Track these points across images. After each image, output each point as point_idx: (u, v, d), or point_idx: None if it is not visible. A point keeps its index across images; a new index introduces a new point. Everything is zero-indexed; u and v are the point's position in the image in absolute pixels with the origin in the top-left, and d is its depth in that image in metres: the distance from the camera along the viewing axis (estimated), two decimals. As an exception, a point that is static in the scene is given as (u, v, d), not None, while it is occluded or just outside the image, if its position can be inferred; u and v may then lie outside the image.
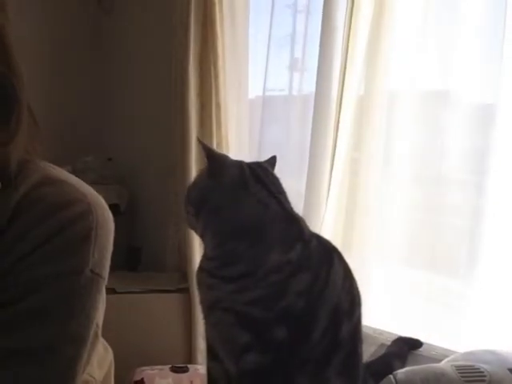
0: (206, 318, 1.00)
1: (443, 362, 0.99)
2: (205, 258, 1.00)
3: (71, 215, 0.74)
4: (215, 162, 0.98)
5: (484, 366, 0.89)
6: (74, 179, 0.81)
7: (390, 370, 1.09)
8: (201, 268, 1.01)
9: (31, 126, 0.80)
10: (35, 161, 0.79)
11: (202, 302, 1.00)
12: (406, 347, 1.28)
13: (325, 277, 0.95)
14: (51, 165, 0.82)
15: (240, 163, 1.02)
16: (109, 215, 0.81)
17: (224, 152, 2.14)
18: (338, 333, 0.95)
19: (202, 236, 1.01)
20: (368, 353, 1.22)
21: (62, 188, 0.77)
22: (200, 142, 1.02)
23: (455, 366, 0.90)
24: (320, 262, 0.96)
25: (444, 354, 1.23)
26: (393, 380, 0.92)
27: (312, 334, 0.93)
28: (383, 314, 1.70)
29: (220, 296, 0.94)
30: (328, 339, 0.94)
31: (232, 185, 0.97)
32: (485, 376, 0.86)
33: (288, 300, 0.91)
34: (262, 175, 1.01)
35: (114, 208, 2.76)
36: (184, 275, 2.23)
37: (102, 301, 0.89)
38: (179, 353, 2.16)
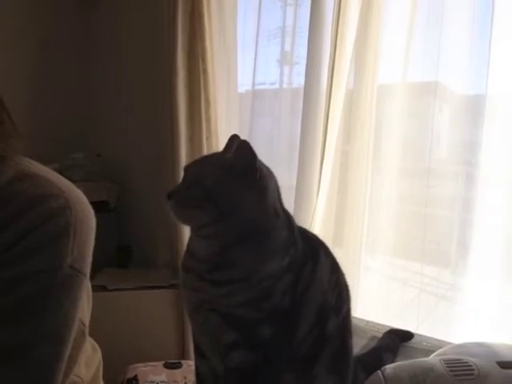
0: (191, 318, 0.97)
1: (432, 356, 0.99)
2: (192, 258, 0.93)
3: (48, 210, 0.72)
4: (256, 172, 0.88)
5: (472, 360, 0.89)
6: (52, 174, 0.79)
7: (381, 362, 1.08)
8: (187, 268, 0.93)
9: (4, 122, 0.77)
10: (11, 157, 0.77)
11: (187, 303, 0.95)
12: (398, 339, 1.28)
13: (310, 274, 0.93)
14: (29, 160, 0.80)
15: (267, 170, 0.94)
16: (89, 211, 0.80)
17: (214, 146, 2.13)
18: (325, 329, 0.94)
19: (197, 230, 0.93)
20: (359, 345, 1.22)
21: (39, 182, 0.75)
22: (245, 143, 0.88)
23: (444, 361, 0.90)
24: (305, 259, 0.94)
25: (436, 344, 1.23)
26: (380, 375, 0.91)
27: (298, 331, 0.92)
28: (375, 305, 1.71)
29: (207, 298, 0.91)
30: (315, 335, 0.93)
31: (261, 193, 0.90)
32: (473, 370, 0.87)
33: (274, 300, 0.89)
34: (273, 178, 0.95)
35: (103, 205, 2.74)
36: (176, 271, 2.21)
37: (87, 298, 0.88)
38: (172, 349, 2.15)
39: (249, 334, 0.89)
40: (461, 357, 0.91)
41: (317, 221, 1.82)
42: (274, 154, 2.14)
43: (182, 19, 2.13)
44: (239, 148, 0.88)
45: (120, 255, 2.43)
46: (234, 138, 0.96)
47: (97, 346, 0.97)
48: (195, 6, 2.11)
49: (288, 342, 0.91)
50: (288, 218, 0.96)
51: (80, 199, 0.78)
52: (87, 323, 0.89)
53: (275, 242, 0.90)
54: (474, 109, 1.59)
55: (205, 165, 0.92)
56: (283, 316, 0.89)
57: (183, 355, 2.15)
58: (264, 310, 0.88)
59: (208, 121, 2.15)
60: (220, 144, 2.16)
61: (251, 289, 0.88)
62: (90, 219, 0.79)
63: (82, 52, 2.70)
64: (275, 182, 0.95)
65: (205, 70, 2.12)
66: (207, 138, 2.15)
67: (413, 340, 1.29)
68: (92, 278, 0.85)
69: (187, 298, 0.95)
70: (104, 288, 2.12)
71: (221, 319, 0.89)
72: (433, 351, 1.06)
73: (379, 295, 1.76)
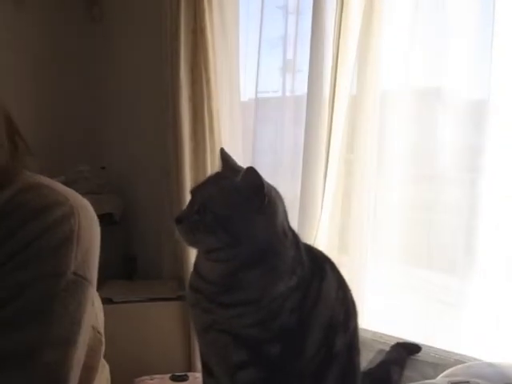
0: (199, 337, 0.97)
1: (440, 377, 0.98)
2: (201, 279, 0.93)
3: (52, 218, 0.74)
4: (265, 197, 0.88)
5: (481, 382, 0.87)
6: (56, 184, 0.81)
7: (389, 377, 1.08)
8: (195, 289, 0.94)
9: (17, 143, 0.79)
10: (20, 171, 0.79)
11: (195, 323, 0.95)
12: (405, 352, 1.26)
13: (317, 291, 0.93)
14: (36, 174, 0.81)
15: (274, 191, 0.94)
16: (93, 218, 0.81)
17: (217, 158, 2.12)
18: (333, 345, 0.94)
19: (206, 254, 0.92)
20: (366, 359, 1.21)
21: (43, 192, 0.77)
22: (252, 170, 0.88)
23: (452, 383, 0.89)
24: (311, 277, 0.94)
25: (444, 356, 1.22)
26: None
27: (306, 349, 0.91)
28: (382, 313, 1.70)
29: (216, 319, 0.91)
30: (323, 352, 0.92)
31: (271, 217, 0.90)
32: (481, 393, 0.85)
33: (282, 318, 0.89)
34: (281, 199, 0.95)
35: (108, 217, 2.74)
36: (181, 282, 2.21)
37: (98, 307, 0.88)
38: (179, 361, 2.14)
39: (257, 354, 0.89)
40: (469, 378, 0.90)
41: (322, 229, 1.81)
42: (278, 162, 2.14)
43: (185, 33, 2.14)
44: (247, 174, 0.89)
45: (125, 267, 2.43)
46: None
47: (105, 363, 0.97)
48: (197, 19, 2.12)
49: (296, 360, 0.90)
50: (294, 236, 0.96)
51: (84, 207, 0.79)
52: (102, 331, 0.90)
53: (284, 262, 0.91)
54: (478, 114, 1.59)
55: (214, 190, 0.92)
56: (291, 334, 0.89)
57: (190, 367, 2.14)
58: (272, 330, 0.88)
59: (211, 132, 2.15)
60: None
61: (261, 310, 0.88)
62: (94, 226, 0.80)
63: (86, 66, 2.71)
64: (282, 202, 0.95)
65: (208, 81, 2.13)
66: (211, 150, 2.15)
67: (420, 352, 1.28)
68: (98, 289, 0.85)
69: (196, 318, 0.95)
70: (110, 300, 2.12)
71: (230, 339, 0.89)
72: (441, 364, 1.04)
73: (386, 303, 1.75)
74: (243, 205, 0.88)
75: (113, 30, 2.69)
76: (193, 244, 0.95)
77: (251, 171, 0.89)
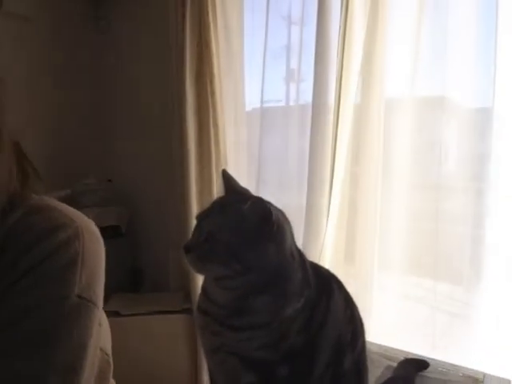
0: (208, 358, 0.96)
1: None
2: (210, 302, 0.93)
3: (58, 241, 0.73)
4: (273, 225, 0.88)
5: None
6: (62, 206, 0.80)
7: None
8: (204, 312, 0.93)
9: (29, 175, 0.80)
10: (29, 195, 0.79)
11: (204, 345, 0.94)
12: (413, 369, 1.25)
13: (324, 311, 0.93)
14: (44, 196, 0.81)
15: (281, 215, 0.94)
16: (98, 239, 0.80)
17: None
18: (341, 364, 0.93)
19: (216, 281, 0.92)
20: (374, 376, 1.19)
21: (50, 214, 0.77)
22: (259, 200, 0.89)
23: None
24: (318, 296, 0.94)
25: (452, 369, 1.21)
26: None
27: (315, 369, 0.91)
28: (388, 324, 1.69)
29: (225, 342, 0.90)
30: (331, 371, 0.92)
31: (280, 243, 0.89)
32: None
33: (291, 340, 0.89)
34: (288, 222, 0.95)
35: (114, 230, 2.73)
36: (187, 295, 2.21)
37: (105, 327, 0.87)
38: (185, 374, 2.14)
39: (266, 375, 0.89)
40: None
41: (328, 239, 1.80)
42: (283, 172, 2.14)
43: (190, 46, 2.15)
44: (254, 205, 0.88)
45: (132, 279, 2.42)
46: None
47: (113, 381, 0.96)
48: (202, 33, 2.13)
49: (305, 381, 0.90)
50: (300, 255, 0.95)
51: (89, 229, 0.79)
52: (110, 351, 0.88)
53: (293, 285, 0.90)
54: (482, 122, 1.58)
55: (222, 218, 0.91)
56: (299, 355, 0.89)
57: (196, 381, 2.13)
58: (281, 351, 0.88)
59: (217, 144, 2.15)
60: (228, 169, 2.15)
61: (270, 333, 0.88)
62: (99, 249, 0.79)
63: (93, 78, 2.72)
64: (289, 225, 0.95)
65: (213, 94, 2.13)
66: (216, 161, 2.15)
67: (428, 368, 1.26)
68: (104, 303, 0.85)
69: (204, 341, 0.95)
70: (117, 313, 2.12)
71: (238, 361, 0.89)
72: (450, 381, 1.03)
73: (393, 313, 1.74)
74: (252, 233, 0.88)
75: (119, 42, 2.70)
76: (202, 272, 0.94)
77: (259, 201, 0.89)
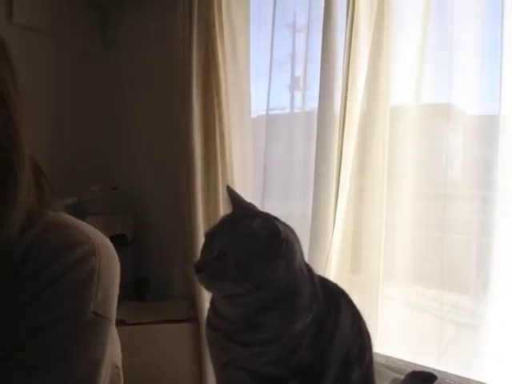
0: (217, 372, 0.96)
1: None
2: (219, 317, 0.93)
3: (74, 258, 0.73)
4: (283, 243, 0.89)
5: None
6: (79, 223, 0.81)
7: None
8: (214, 327, 0.93)
9: (44, 189, 0.80)
10: (45, 211, 0.79)
11: (213, 360, 0.95)
12: (420, 382, 1.23)
13: (332, 325, 0.93)
14: (60, 213, 0.82)
15: (289, 231, 0.95)
16: (114, 256, 0.80)
17: (229, 179, 2.13)
18: (349, 379, 0.93)
19: (226, 298, 0.92)
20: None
21: (66, 231, 0.77)
22: (268, 217, 0.90)
23: None
24: (326, 311, 0.93)
25: (458, 382, 1.20)
26: None
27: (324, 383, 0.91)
28: (395, 334, 1.68)
29: (235, 357, 0.90)
30: None
31: (289, 260, 0.90)
32: None
33: (299, 355, 0.89)
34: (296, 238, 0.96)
35: (120, 238, 2.73)
36: (193, 303, 2.20)
37: (116, 341, 0.87)
38: (190, 382, 2.12)
39: None
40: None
41: (334, 248, 1.80)
42: (289, 180, 2.14)
43: (197, 58, 2.16)
44: (263, 223, 0.89)
45: (137, 288, 2.42)
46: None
47: None
48: (209, 44, 2.14)
49: None
50: (309, 270, 0.96)
51: (105, 245, 0.79)
52: (120, 364, 0.89)
53: (303, 301, 0.91)
54: (488, 130, 1.58)
55: (232, 236, 0.91)
56: (308, 369, 0.89)
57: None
58: (289, 366, 0.88)
59: (223, 154, 2.15)
60: (234, 178, 2.16)
61: (279, 349, 0.87)
62: (114, 265, 0.79)
63: (99, 88, 2.73)
64: (298, 241, 0.95)
65: (219, 105, 2.14)
66: (222, 172, 2.15)
67: (436, 382, 1.25)
68: (111, 311, 0.84)
69: (214, 356, 0.95)
70: (123, 322, 2.11)
71: (248, 376, 0.89)
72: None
73: (399, 323, 1.72)
74: (262, 251, 0.88)
75: (125, 54, 2.72)
76: (212, 290, 0.95)
77: (268, 219, 0.90)
